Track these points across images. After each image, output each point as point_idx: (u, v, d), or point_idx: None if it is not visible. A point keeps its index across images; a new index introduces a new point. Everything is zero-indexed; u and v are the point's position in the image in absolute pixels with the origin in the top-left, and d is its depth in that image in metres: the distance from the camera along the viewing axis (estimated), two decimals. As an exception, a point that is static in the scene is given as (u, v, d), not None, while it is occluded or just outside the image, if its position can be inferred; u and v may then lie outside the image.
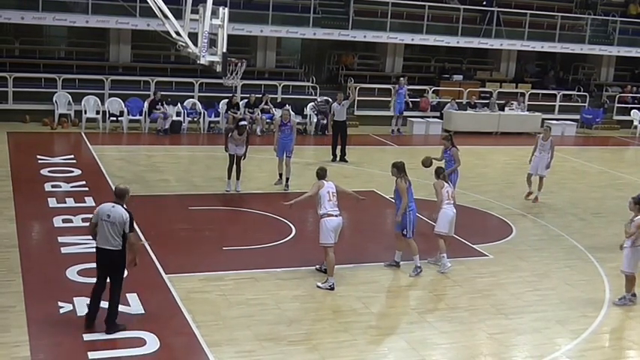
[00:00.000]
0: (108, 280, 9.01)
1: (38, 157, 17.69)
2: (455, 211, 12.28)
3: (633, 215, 11.08)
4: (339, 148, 19.77)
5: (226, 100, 23.05)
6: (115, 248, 8.82)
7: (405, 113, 25.70)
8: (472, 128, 25.63)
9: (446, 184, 12.34)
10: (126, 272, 9.25)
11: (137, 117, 22.19)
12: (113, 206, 8.88)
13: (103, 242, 8.84)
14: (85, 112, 21.80)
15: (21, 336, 8.76)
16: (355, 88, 23.19)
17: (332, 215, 10.97)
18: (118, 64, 24.62)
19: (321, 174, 11.47)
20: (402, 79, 25.56)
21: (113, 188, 9.46)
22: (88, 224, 12.63)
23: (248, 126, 22.71)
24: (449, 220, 12.12)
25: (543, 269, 12.56)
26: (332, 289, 10.83)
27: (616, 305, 11.06)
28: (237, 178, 15.84)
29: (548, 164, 16.63)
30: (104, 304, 9.00)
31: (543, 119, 27.42)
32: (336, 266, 11.09)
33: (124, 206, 8.91)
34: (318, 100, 23.96)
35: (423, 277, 11.72)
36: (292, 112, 23.75)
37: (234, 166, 15.81)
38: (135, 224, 8.98)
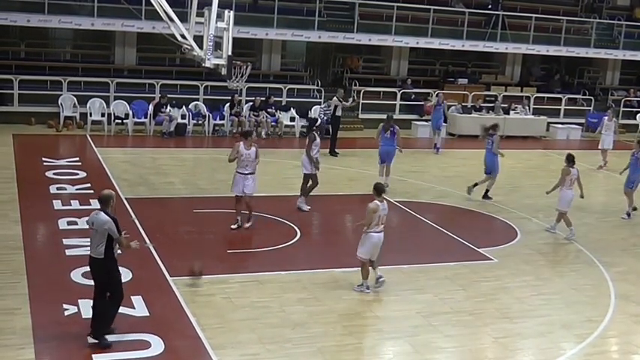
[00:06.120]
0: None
1: (43, 159, 17.72)
2: (573, 193, 14.46)
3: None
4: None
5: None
6: (97, 257, 8.62)
7: (408, 116, 25.66)
8: (477, 132, 25.54)
9: (572, 170, 14.29)
10: (131, 275, 9.23)
11: (142, 119, 22.22)
12: (97, 214, 8.68)
13: (91, 250, 8.75)
14: (91, 115, 21.82)
15: (26, 338, 8.77)
16: (354, 98, 23.76)
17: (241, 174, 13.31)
18: (123, 66, 24.64)
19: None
20: (440, 93, 25.11)
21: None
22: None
23: (253, 129, 22.90)
24: (568, 200, 14.37)
25: (548, 273, 12.54)
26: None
27: (355, 292, 10.91)
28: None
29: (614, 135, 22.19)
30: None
31: (548, 123, 27.47)
32: (340, 269, 11.46)
33: (109, 212, 8.67)
34: (323, 105, 23.96)
35: (427, 280, 11.71)
36: (297, 116, 23.86)
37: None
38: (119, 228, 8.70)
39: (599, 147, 22.20)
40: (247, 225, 13.46)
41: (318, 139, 15.26)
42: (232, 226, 13.35)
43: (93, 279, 8.91)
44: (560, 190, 14.45)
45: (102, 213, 8.65)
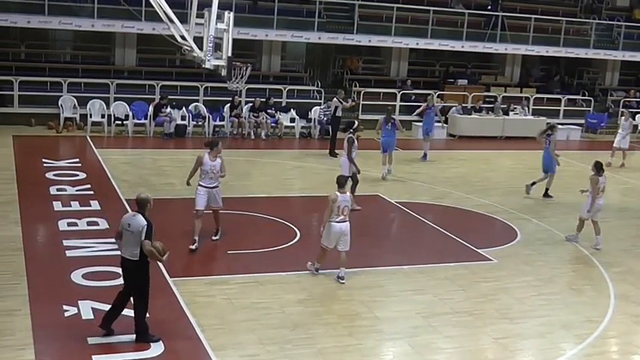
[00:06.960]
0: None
1: (43, 160, 17.73)
2: (603, 201, 14.08)
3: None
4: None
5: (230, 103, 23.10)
6: (132, 258, 8.69)
7: (409, 118, 25.64)
8: (477, 132, 25.65)
9: (601, 179, 13.83)
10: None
11: (142, 121, 22.24)
12: (134, 215, 8.77)
13: (124, 251, 8.81)
14: (91, 116, 21.84)
15: (26, 339, 8.77)
16: (353, 99, 23.97)
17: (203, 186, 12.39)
18: (123, 67, 24.67)
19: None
20: (435, 97, 24.17)
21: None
22: (92, 228, 12.82)
23: (252, 130, 22.96)
24: (596, 208, 13.91)
25: (548, 274, 12.55)
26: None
27: (308, 268, 11.53)
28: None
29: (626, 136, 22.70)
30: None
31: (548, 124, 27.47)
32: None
33: (146, 215, 8.75)
34: (323, 106, 24.03)
35: (427, 281, 11.72)
36: (297, 117, 23.92)
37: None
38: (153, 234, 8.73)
39: (615, 145, 22.75)
40: (215, 238, 12.74)
41: (356, 142, 15.22)
42: (191, 247, 12.21)
43: (123, 278, 8.95)
44: (587, 195, 14.05)
45: (139, 215, 8.72)
